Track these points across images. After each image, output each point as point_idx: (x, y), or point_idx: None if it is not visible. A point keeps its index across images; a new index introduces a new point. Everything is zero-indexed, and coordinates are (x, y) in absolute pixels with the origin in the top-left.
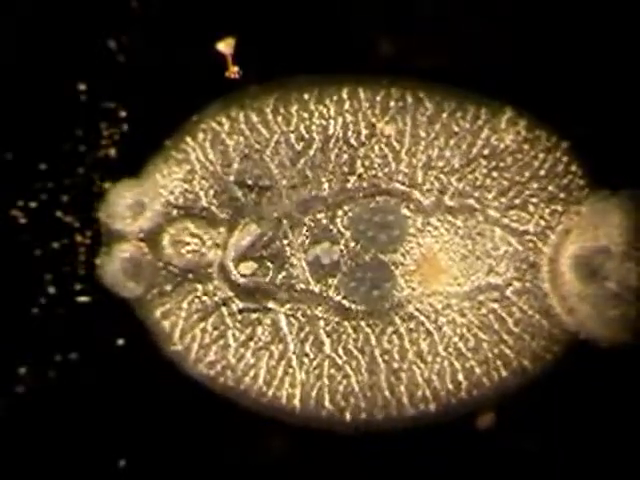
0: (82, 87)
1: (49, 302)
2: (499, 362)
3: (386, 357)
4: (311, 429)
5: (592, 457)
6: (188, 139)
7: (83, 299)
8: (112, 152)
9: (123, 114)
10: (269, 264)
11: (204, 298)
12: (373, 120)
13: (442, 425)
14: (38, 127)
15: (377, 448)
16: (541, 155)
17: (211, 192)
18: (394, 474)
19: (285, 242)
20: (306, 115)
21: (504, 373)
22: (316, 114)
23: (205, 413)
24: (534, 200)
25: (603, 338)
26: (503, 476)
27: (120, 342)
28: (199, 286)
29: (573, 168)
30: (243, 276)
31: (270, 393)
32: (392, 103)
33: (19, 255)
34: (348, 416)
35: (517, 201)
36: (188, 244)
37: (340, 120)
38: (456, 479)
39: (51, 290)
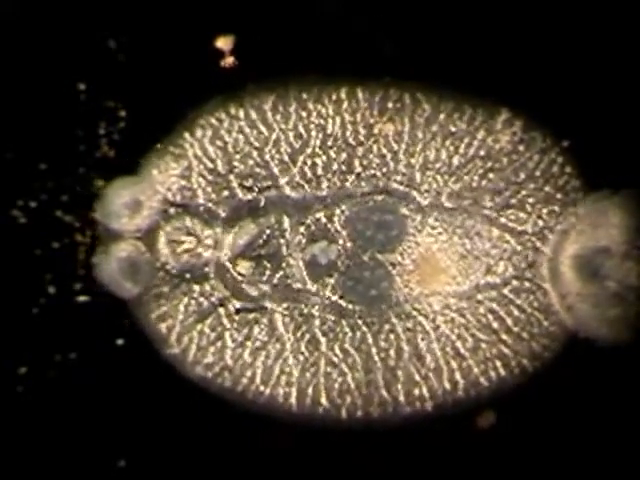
0: (82, 87)
1: (49, 302)
2: (498, 361)
3: (382, 355)
4: (308, 427)
5: (591, 456)
6: (186, 135)
7: (83, 299)
8: (111, 151)
9: (122, 113)
10: (266, 263)
11: (201, 299)
12: (371, 120)
13: (441, 423)
14: (38, 127)
15: (377, 446)
16: (536, 156)
17: (209, 190)
18: (393, 473)
19: (282, 241)
20: (304, 114)
21: (503, 372)
22: (314, 113)
23: (205, 413)
24: (531, 200)
25: (603, 337)
26: (503, 475)
27: (120, 342)
28: (196, 287)
29: (569, 169)
30: (240, 276)
31: (267, 392)
32: (390, 104)
33: (19, 255)
34: (344, 414)
35: (514, 201)
36: (184, 243)
37: (338, 120)
38: (456, 478)
39: (51, 290)
